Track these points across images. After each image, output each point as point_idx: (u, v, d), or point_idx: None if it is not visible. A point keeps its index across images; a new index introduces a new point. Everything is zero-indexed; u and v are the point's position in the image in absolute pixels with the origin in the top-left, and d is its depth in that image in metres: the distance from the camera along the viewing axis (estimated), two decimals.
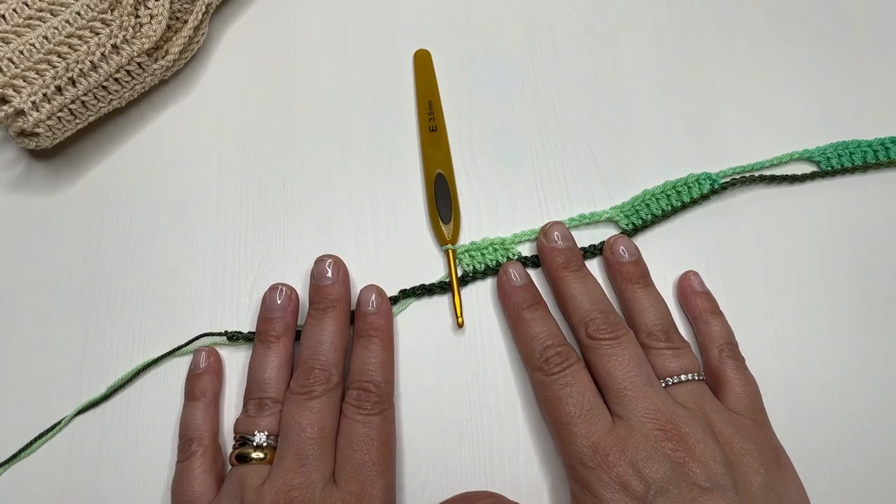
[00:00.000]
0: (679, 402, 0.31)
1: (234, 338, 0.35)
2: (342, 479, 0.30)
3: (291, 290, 0.35)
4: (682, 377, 0.32)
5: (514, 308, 0.35)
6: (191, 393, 0.34)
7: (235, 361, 0.35)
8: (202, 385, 0.34)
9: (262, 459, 0.31)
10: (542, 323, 0.34)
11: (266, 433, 0.31)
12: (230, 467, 0.32)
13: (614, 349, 0.32)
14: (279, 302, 0.34)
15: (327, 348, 0.32)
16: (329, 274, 0.34)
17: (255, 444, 0.31)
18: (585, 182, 0.39)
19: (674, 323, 0.35)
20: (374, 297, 0.34)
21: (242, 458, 0.31)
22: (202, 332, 0.35)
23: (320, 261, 0.35)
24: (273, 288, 0.35)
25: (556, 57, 0.42)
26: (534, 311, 0.34)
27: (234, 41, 0.42)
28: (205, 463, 0.31)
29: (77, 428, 0.34)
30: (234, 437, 0.32)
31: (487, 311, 0.36)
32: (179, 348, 0.35)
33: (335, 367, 0.32)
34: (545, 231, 0.36)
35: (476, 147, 0.40)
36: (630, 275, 0.35)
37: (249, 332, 0.35)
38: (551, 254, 0.36)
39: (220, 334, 0.35)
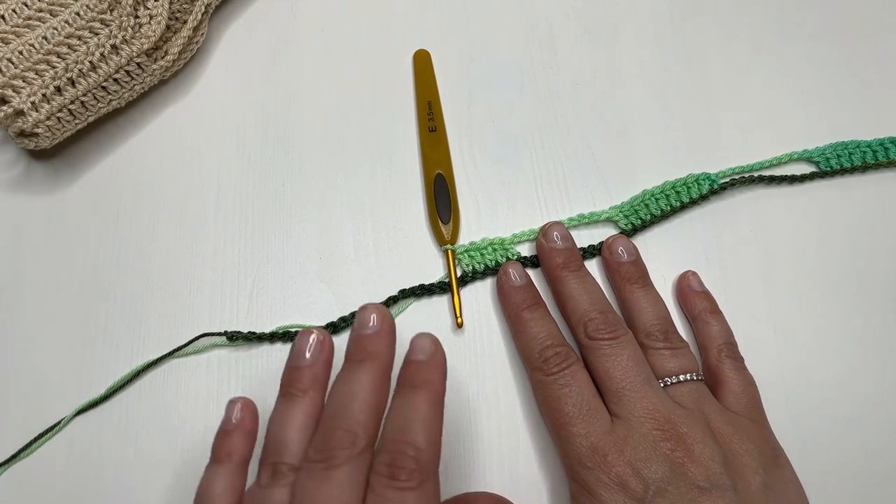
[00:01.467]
0: (678, 402, 0.31)
1: (233, 338, 0.35)
2: None
3: (325, 335, 0.29)
4: (681, 377, 0.32)
5: (513, 308, 0.35)
6: (215, 453, 0.28)
7: (235, 361, 0.35)
8: (228, 445, 0.28)
9: None
10: (542, 323, 0.34)
11: None
12: None
13: (613, 349, 0.32)
14: (309, 351, 0.28)
15: (357, 406, 0.26)
16: (372, 323, 0.28)
17: None
18: (585, 182, 0.39)
19: (672, 323, 0.35)
20: (428, 345, 0.28)
21: None
22: (202, 333, 0.35)
23: (364, 309, 0.28)
24: (304, 333, 0.29)
25: (555, 57, 0.42)
26: (533, 311, 0.34)
27: (233, 41, 0.42)
28: None
29: (77, 428, 0.34)
30: None
31: (487, 311, 0.36)
32: (179, 349, 0.35)
33: (364, 429, 0.26)
34: (544, 231, 0.36)
35: (475, 147, 0.40)
36: (629, 275, 0.35)
37: (249, 332, 0.35)
38: (550, 254, 0.36)
39: (220, 334, 0.35)
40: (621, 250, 0.36)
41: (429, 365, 0.27)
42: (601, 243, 0.37)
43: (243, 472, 0.28)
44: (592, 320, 0.33)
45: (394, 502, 0.24)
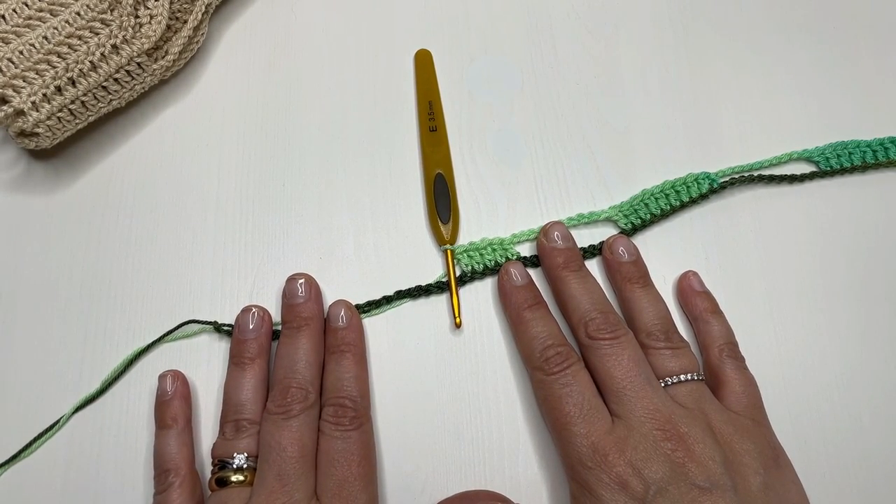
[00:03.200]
0: (678, 401, 0.31)
1: (220, 328, 0.35)
2: (325, 497, 0.30)
3: (263, 311, 0.35)
4: (682, 377, 0.32)
5: (514, 308, 0.35)
6: (161, 421, 0.33)
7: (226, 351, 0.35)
8: (172, 411, 0.33)
9: (242, 482, 0.30)
10: (543, 323, 0.34)
11: (245, 455, 0.31)
12: (209, 492, 0.31)
13: (614, 349, 0.32)
14: (251, 324, 0.34)
15: (303, 366, 0.32)
16: (301, 292, 0.34)
17: (234, 466, 0.31)
18: (585, 182, 0.39)
19: (673, 323, 0.35)
20: (343, 312, 0.34)
21: (222, 482, 0.31)
22: (189, 319, 0.35)
23: (292, 280, 0.35)
24: (245, 310, 0.34)
25: (556, 57, 0.42)
26: (534, 311, 0.34)
27: (234, 41, 0.42)
28: (183, 494, 0.31)
29: (77, 427, 0.34)
30: (212, 462, 0.32)
31: (486, 311, 0.36)
32: (168, 334, 0.35)
33: (311, 385, 0.32)
34: (545, 231, 0.36)
35: (476, 147, 0.40)
36: (629, 274, 0.35)
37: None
38: (551, 254, 0.36)
39: (208, 323, 0.35)
40: (622, 250, 0.36)
41: (349, 330, 0.34)
42: (601, 243, 0.37)
43: (189, 431, 0.33)
44: (593, 320, 0.33)
45: (341, 440, 0.31)
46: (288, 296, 0.35)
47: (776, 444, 0.32)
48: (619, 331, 0.33)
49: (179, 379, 0.34)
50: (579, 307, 0.34)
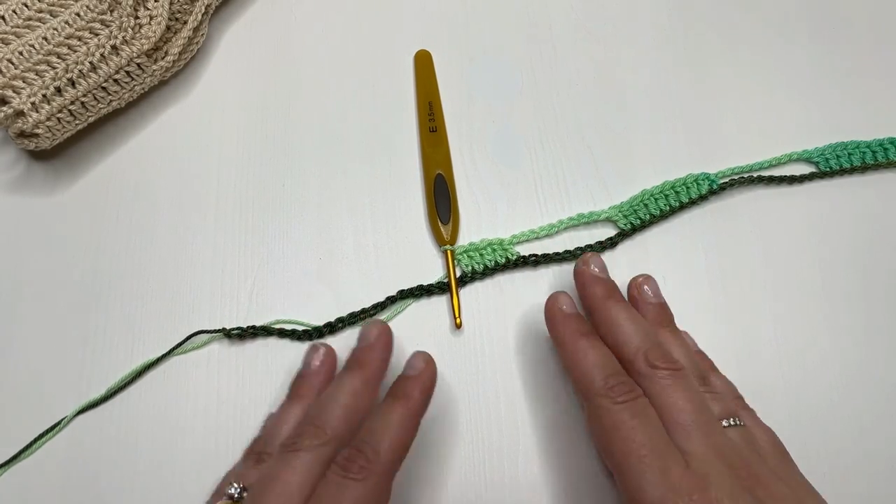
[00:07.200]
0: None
1: (230, 334, 0.35)
2: None
3: (329, 350, 0.34)
4: (724, 423, 0.31)
5: (572, 334, 0.32)
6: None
7: (234, 360, 0.35)
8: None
9: None
10: (603, 351, 0.32)
11: (241, 486, 0.28)
12: None
13: (678, 381, 0.30)
14: (315, 363, 0.33)
15: (333, 406, 0.29)
16: (371, 338, 0.32)
17: (227, 494, 0.28)
18: (584, 182, 0.39)
19: (705, 365, 0.34)
20: (420, 363, 0.31)
21: None
22: (197, 330, 0.35)
23: (367, 325, 0.33)
24: (313, 348, 0.34)
25: (556, 57, 0.42)
26: (592, 339, 0.32)
27: (234, 41, 0.42)
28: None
29: (77, 428, 0.34)
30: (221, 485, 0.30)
31: (487, 311, 0.36)
32: (177, 347, 0.35)
33: (331, 427, 0.28)
34: (585, 259, 0.35)
35: (476, 147, 0.40)
36: (657, 318, 0.34)
37: (250, 326, 0.35)
38: (595, 282, 0.34)
39: (216, 331, 0.35)
40: (647, 289, 0.35)
41: (414, 380, 0.31)
42: (598, 243, 0.37)
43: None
44: (652, 350, 0.31)
45: (336, 487, 0.26)
46: (359, 338, 0.32)
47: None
48: (678, 363, 0.31)
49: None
50: (634, 336, 0.32)
